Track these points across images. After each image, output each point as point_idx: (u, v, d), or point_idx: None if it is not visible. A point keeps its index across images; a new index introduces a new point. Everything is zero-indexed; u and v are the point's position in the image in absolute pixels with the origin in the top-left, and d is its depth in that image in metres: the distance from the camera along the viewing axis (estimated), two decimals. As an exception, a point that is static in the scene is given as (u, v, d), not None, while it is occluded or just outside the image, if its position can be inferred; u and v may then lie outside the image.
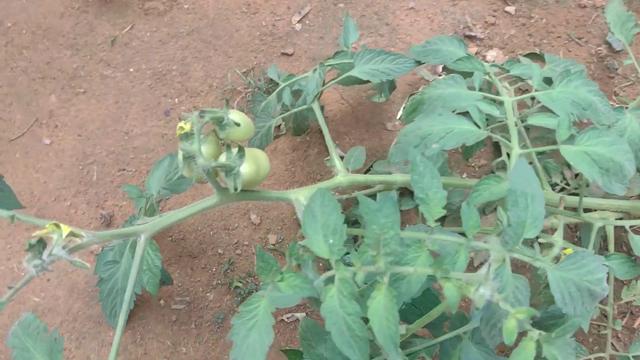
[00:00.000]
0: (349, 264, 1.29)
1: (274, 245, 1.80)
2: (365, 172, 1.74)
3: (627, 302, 1.51)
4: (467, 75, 1.34)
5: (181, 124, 1.10)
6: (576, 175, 1.73)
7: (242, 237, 1.82)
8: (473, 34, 1.92)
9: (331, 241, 0.80)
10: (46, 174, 1.85)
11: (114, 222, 1.82)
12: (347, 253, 0.81)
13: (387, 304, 0.74)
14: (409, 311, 1.18)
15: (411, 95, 1.22)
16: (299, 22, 2.00)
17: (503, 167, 1.74)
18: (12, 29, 2.01)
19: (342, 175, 1.30)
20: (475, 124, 1.05)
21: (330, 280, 0.83)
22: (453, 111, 1.14)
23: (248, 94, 1.92)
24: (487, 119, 1.24)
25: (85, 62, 1.96)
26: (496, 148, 1.82)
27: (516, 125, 1.10)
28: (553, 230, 1.38)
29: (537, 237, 1.00)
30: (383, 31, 1.96)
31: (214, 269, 1.78)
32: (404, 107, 1.29)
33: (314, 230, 0.83)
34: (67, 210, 1.82)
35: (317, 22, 2.00)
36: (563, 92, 1.15)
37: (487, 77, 1.20)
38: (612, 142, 1.01)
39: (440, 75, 1.84)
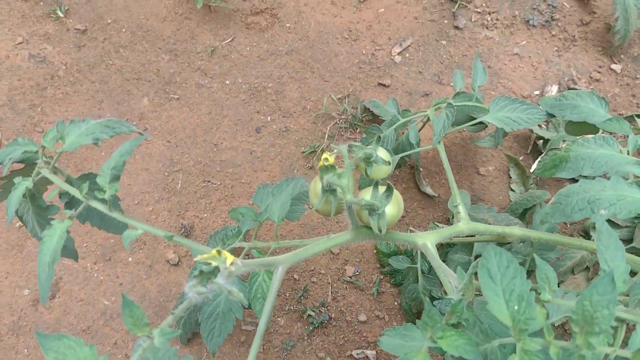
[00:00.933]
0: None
1: (350, 277, 1.76)
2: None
3: None
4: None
5: (326, 155, 1.06)
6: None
7: (319, 265, 1.77)
8: (577, 87, 1.88)
9: (516, 307, 0.76)
10: (131, 177, 1.82)
11: (192, 233, 1.79)
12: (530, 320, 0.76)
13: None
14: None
15: (551, 149, 1.18)
16: (398, 54, 1.97)
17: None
18: (111, 26, 2.00)
19: (464, 223, 1.26)
20: (645, 194, 1.00)
21: (502, 348, 0.79)
22: (602, 174, 1.10)
23: (341, 121, 1.89)
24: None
25: (183, 68, 1.94)
26: (591, 207, 1.78)
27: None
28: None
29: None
30: (484, 74, 1.93)
31: (287, 294, 1.74)
32: (539, 161, 1.26)
33: (495, 292, 0.78)
34: (148, 215, 1.79)
35: (417, 57, 1.97)
36: None
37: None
38: None
39: (541, 128, 1.81)
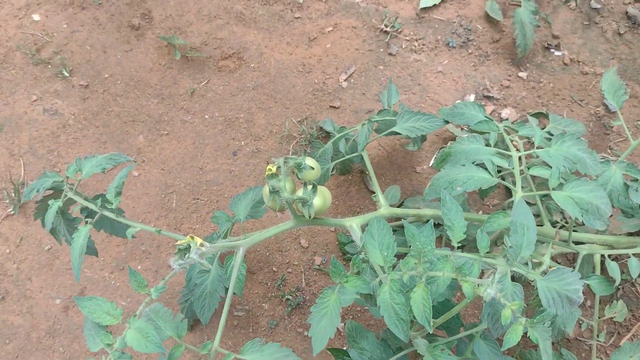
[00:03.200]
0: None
1: (318, 265, 2.16)
2: (398, 207, 2.11)
3: (610, 318, 1.85)
4: (485, 133, 1.72)
5: (269, 166, 1.49)
6: (574, 215, 2.08)
7: (293, 258, 2.18)
8: (491, 94, 2.30)
9: (385, 254, 1.17)
10: (135, 200, 2.25)
11: (188, 242, 2.20)
12: (396, 263, 1.17)
13: (424, 295, 1.09)
14: (434, 315, 1.54)
15: (441, 148, 1.58)
16: (345, 80, 2.40)
17: (512, 206, 2.10)
18: (108, 80, 2.45)
19: (384, 208, 1.67)
20: (489, 173, 1.41)
21: (382, 282, 1.19)
22: (473, 162, 1.51)
23: (302, 139, 2.31)
24: (500, 169, 1.62)
25: (169, 109, 2.38)
26: (507, 191, 2.18)
27: (521, 174, 1.47)
28: (551, 257, 1.72)
29: (532, 259, 1.35)
30: (415, 90, 2.36)
31: (269, 284, 2.14)
32: (435, 157, 1.66)
33: (373, 246, 1.19)
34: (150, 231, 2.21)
35: (360, 81, 2.40)
36: (558, 150, 1.51)
37: (503, 134, 1.57)
38: (591, 189, 1.37)
39: (463, 130, 2.22)
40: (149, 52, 2.48)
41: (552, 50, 2.39)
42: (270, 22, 2.53)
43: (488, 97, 2.30)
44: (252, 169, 2.28)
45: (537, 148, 1.54)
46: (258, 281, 2.14)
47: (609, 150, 2.21)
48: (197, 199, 2.25)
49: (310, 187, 1.47)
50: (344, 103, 2.37)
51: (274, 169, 1.49)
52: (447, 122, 1.76)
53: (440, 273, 1.12)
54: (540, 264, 1.34)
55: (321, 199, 1.49)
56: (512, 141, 1.69)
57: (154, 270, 2.16)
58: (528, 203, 2.02)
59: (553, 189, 1.39)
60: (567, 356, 1.74)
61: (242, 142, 2.32)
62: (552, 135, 1.74)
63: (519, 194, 1.41)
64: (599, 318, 1.74)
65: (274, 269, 2.16)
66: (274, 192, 1.47)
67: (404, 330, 1.14)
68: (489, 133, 1.61)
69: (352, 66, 2.43)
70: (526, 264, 1.24)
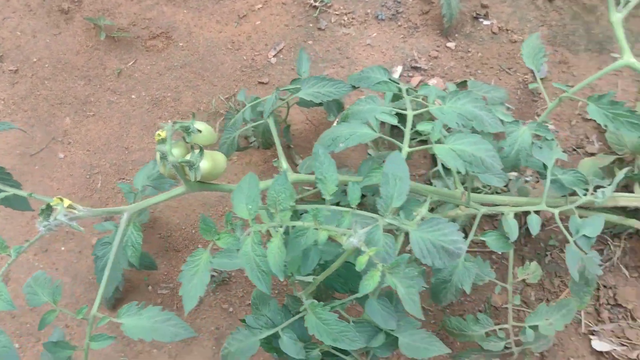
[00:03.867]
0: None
1: (248, 243, 2.13)
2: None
3: (523, 280, 1.83)
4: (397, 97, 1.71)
5: (159, 131, 1.46)
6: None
7: (221, 236, 2.15)
8: (418, 65, 2.28)
9: (250, 206, 1.14)
10: (59, 182, 2.22)
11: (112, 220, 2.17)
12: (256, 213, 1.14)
13: (280, 246, 1.07)
14: (334, 278, 1.51)
15: (342, 112, 1.57)
16: (274, 56, 2.38)
17: (438, 176, 2.07)
18: (36, 63, 2.42)
19: (288, 174, 1.65)
20: (372, 128, 1.39)
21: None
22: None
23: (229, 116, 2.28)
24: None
25: (95, 90, 2.35)
26: (433, 160, 2.15)
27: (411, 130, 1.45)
28: (456, 219, 1.70)
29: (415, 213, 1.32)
30: (344, 63, 2.33)
31: (196, 262, 2.12)
32: (337, 121, 1.65)
33: (240, 199, 1.17)
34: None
35: (289, 57, 2.37)
36: (451, 107, 1.48)
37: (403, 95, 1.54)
38: (475, 142, 1.34)
39: (389, 100, 2.19)
40: (76, 35, 2.46)
41: (481, 19, 2.37)
42: (200, 1, 2.50)
43: (416, 68, 2.28)
44: (180, 147, 2.25)
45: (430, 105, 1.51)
46: (183, 259, 2.11)
47: (536, 117, 2.19)
48: (123, 178, 2.22)
49: (197, 150, 1.45)
50: (272, 79, 2.34)
51: (163, 134, 1.47)
52: (354, 87, 1.73)
53: (300, 223, 1.10)
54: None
55: (210, 162, 1.47)
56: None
57: (78, 251, 2.13)
58: (448, 170, 2.00)
59: (436, 142, 1.36)
60: (483, 320, 1.72)
61: (169, 121, 2.29)
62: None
63: (405, 149, 1.38)
64: (513, 280, 1.71)
65: (200, 246, 2.13)
66: (163, 157, 1.44)
67: (265, 282, 1.11)
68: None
69: (282, 42, 2.40)
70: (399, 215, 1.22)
